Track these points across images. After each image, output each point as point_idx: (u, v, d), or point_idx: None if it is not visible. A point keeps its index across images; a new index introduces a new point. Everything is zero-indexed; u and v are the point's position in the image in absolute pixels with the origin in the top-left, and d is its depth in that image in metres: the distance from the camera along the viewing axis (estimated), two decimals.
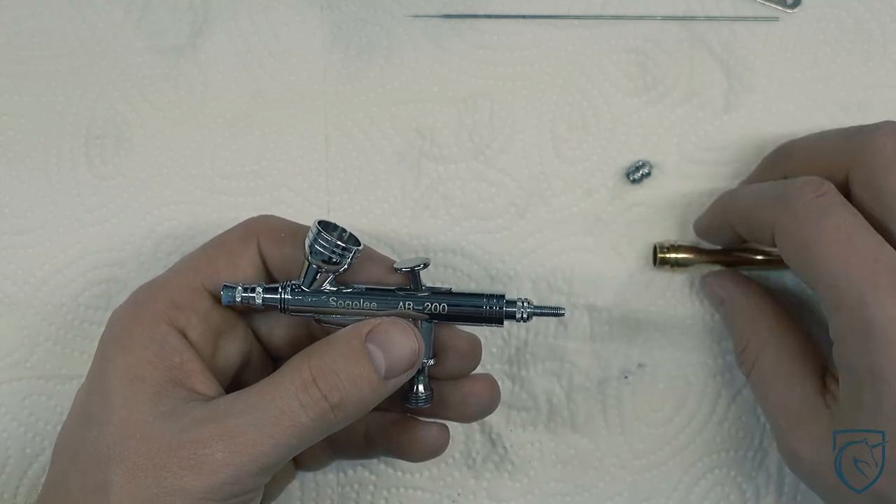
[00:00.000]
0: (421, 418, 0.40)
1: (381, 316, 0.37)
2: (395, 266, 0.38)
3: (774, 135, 0.47)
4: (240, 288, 0.37)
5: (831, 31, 0.48)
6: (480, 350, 0.40)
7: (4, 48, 0.48)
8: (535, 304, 0.38)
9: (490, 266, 0.47)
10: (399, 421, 0.40)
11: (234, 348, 0.38)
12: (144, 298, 0.37)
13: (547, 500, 0.46)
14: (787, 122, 0.47)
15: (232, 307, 0.38)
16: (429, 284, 0.38)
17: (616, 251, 0.47)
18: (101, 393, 0.35)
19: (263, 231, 0.39)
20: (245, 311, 0.39)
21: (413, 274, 0.37)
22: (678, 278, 0.46)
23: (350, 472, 0.46)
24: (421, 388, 0.38)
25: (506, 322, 0.38)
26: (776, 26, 0.48)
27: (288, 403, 0.33)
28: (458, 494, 0.46)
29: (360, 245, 0.37)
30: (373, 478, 0.46)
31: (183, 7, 0.49)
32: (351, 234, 0.37)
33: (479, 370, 0.40)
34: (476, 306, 0.37)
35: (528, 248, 0.47)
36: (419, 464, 0.46)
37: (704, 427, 0.46)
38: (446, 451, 0.46)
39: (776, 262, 0.45)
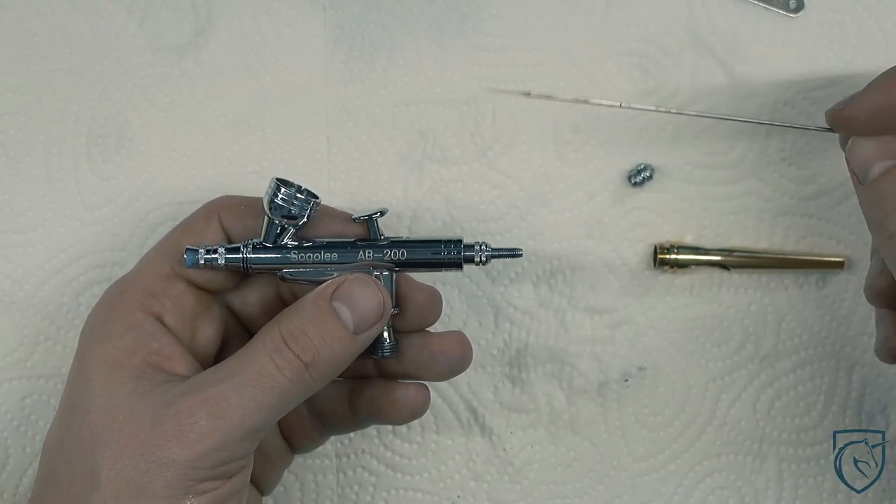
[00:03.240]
0: (401, 381, 0.40)
1: (342, 267, 0.37)
2: (353, 217, 0.38)
3: (777, 139, 0.47)
4: (202, 250, 0.37)
5: (834, 36, 0.48)
6: (440, 301, 0.40)
7: (6, 47, 0.48)
8: (492, 247, 0.38)
9: (491, 268, 0.47)
10: (378, 385, 0.40)
11: (211, 329, 0.39)
12: (118, 291, 0.38)
13: (547, 503, 0.46)
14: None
15: (199, 283, 0.38)
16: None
17: (617, 254, 0.47)
18: (82, 383, 0.35)
19: (223, 208, 0.39)
20: (219, 291, 0.39)
21: (371, 222, 0.38)
22: (679, 282, 0.46)
23: (350, 473, 0.46)
24: (385, 336, 0.38)
25: (465, 266, 0.38)
26: (779, 31, 0.48)
27: (265, 365, 0.34)
28: (458, 497, 0.46)
29: (317, 198, 0.37)
30: (372, 479, 0.46)
31: (185, 7, 0.48)
32: (308, 189, 0.37)
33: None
34: (435, 252, 0.38)
35: (530, 250, 0.47)
36: (419, 465, 0.46)
37: (704, 431, 0.46)
38: (447, 453, 0.46)
39: (776, 264, 0.46)
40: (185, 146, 0.48)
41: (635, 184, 0.47)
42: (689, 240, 0.47)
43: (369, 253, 0.38)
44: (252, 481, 0.40)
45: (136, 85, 0.48)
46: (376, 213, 0.38)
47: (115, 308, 0.37)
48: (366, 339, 0.36)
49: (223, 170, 0.47)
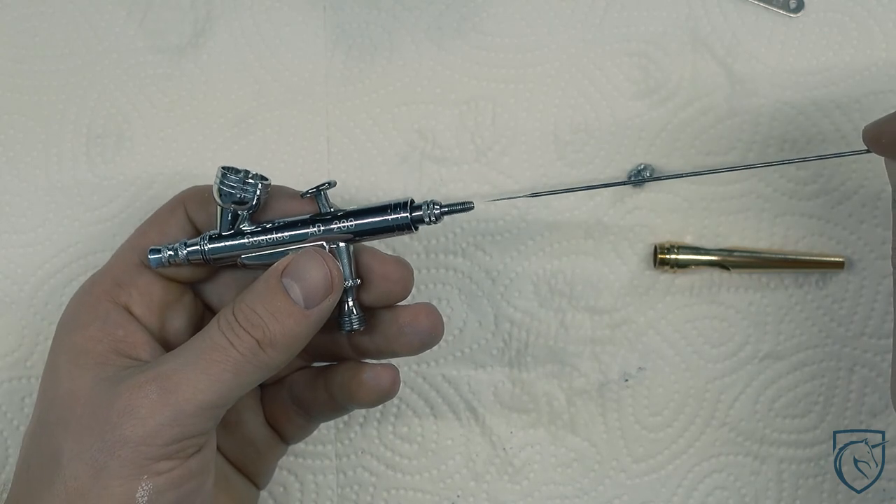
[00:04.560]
0: (370, 361, 0.40)
1: (295, 245, 0.37)
2: (301, 193, 0.38)
3: (777, 139, 0.47)
4: (164, 249, 0.38)
5: (834, 36, 0.48)
6: (409, 273, 0.39)
7: (6, 47, 0.48)
8: (442, 203, 0.37)
9: (491, 268, 0.47)
10: (348, 367, 0.40)
11: (182, 320, 0.39)
12: (88, 284, 0.38)
13: (546, 503, 0.46)
14: (790, 126, 0.47)
15: (169, 275, 0.38)
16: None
17: (617, 254, 0.47)
18: (51, 372, 0.36)
19: (189, 197, 0.39)
20: (189, 281, 0.39)
21: (319, 196, 0.38)
22: (679, 282, 0.46)
23: (350, 473, 0.46)
24: (350, 308, 0.38)
25: (421, 227, 0.38)
26: (779, 30, 0.48)
27: (217, 340, 0.34)
28: (458, 496, 0.46)
29: (266, 180, 0.37)
30: (373, 479, 0.46)
31: (185, 7, 0.48)
32: (257, 172, 0.37)
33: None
34: (382, 216, 0.37)
35: (530, 250, 0.47)
36: (419, 465, 0.46)
37: (704, 431, 0.46)
38: (447, 453, 0.46)
39: (776, 264, 0.46)
40: (185, 146, 0.48)
41: (636, 184, 0.47)
42: (689, 240, 0.47)
43: (319, 227, 0.37)
44: (244, 473, 0.41)
45: (136, 85, 0.48)
46: (323, 185, 0.37)
47: (84, 301, 0.38)
48: (319, 313, 0.35)
49: None
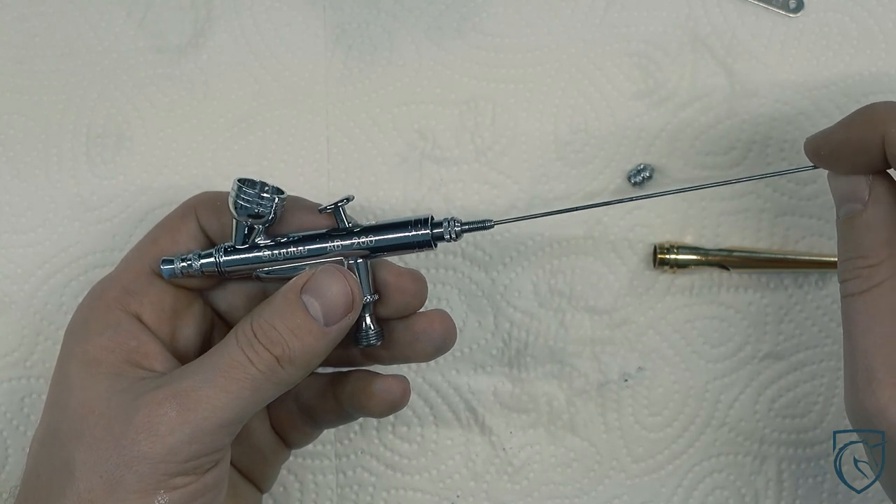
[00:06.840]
0: (380, 372, 0.40)
1: (313, 260, 0.37)
2: (319, 208, 0.38)
3: (776, 139, 0.47)
4: (177, 260, 0.37)
5: (834, 36, 0.48)
6: (424, 285, 0.39)
7: (6, 47, 0.48)
8: (462, 221, 0.37)
9: (491, 268, 0.47)
10: (358, 377, 0.40)
11: (192, 327, 0.39)
12: (98, 290, 0.38)
13: (546, 503, 0.46)
14: (789, 127, 0.47)
15: (179, 283, 0.38)
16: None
17: (617, 254, 0.47)
18: (62, 381, 0.36)
19: (200, 204, 0.39)
20: (200, 288, 0.39)
21: (338, 211, 0.37)
22: (678, 282, 0.46)
23: (350, 473, 0.46)
24: (368, 324, 0.38)
25: (440, 244, 0.38)
26: (779, 30, 0.48)
27: (236, 357, 0.34)
28: (458, 496, 0.46)
29: (283, 193, 0.37)
30: (372, 479, 0.46)
31: (185, 7, 0.48)
32: (273, 185, 0.37)
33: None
34: (403, 233, 0.37)
35: (529, 250, 0.47)
36: (419, 465, 0.46)
37: (704, 431, 0.46)
38: (447, 453, 0.46)
39: (776, 264, 0.46)
40: (185, 146, 0.48)
41: (635, 184, 0.47)
42: (689, 240, 0.47)
43: (338, 243, 0.37)
44: (248, 478, 0.41)
45: (135, 85, 0.48)
46: (342, 201, 0.37)
47: (94, 307, 0.37)
48: (338, 330, 0.35)
49: (223, 170, 0.47)
